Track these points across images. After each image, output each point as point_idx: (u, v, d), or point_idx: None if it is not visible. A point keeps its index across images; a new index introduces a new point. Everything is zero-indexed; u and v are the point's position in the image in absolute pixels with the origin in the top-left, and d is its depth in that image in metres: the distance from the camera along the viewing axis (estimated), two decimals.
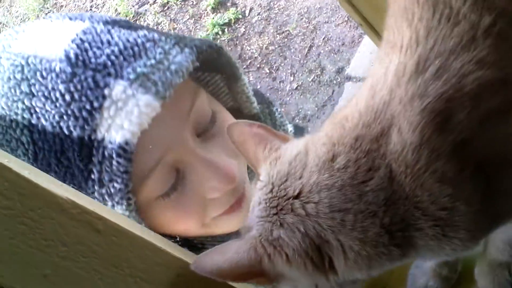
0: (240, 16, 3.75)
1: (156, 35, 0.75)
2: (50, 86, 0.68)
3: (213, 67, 0.84)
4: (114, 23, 0.77)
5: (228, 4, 3.86)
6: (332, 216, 0.51)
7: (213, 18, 3.81)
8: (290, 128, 1.13)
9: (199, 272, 0.55)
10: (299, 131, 1.17)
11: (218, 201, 0.79)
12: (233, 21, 3.75)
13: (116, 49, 0.71)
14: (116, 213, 0.52)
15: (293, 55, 3.43)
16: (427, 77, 0.51)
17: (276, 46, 3.51)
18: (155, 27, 3.86)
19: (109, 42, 0.72)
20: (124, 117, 0.67)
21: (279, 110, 1.07)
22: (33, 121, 0.69)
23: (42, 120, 0.68)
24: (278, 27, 3.57)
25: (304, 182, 0.53)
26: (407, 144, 0.50)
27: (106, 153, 0.67)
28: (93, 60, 0.69)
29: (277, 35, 3.55)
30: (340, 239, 0.52)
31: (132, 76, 0.68)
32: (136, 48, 0.71)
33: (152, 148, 0.71)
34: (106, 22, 0.76)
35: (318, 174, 0.53)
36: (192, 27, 3.85)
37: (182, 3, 4.06)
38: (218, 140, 0.81)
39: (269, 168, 0.58)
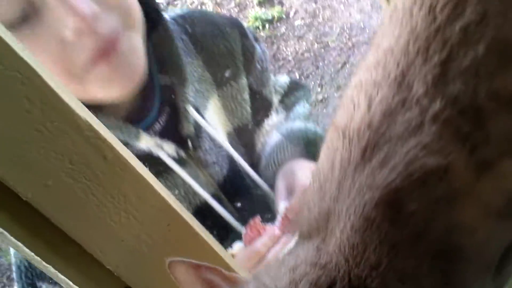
0: (284, 16, 3.76)
1: None
2: None
3: None
4: None
5: (275, 1, 3.88)
6: None
7: (257, 11, 3.82)
8: (284, 79, 1.18)
9: None
10: (295, 85, 1.21)
11: (79, 45, 0.78)
12: (275, 19, 3.76)
13: None
14: (127, 150, 0.53)
15: (326, 67, 3.44)
16: (374, 165, 0.49)
17: (312, 54, 3.52)
18: (198, 7, 3.89)
19: None
20: None
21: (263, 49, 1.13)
22: None
23: None
24: (318, 36, 3.58)
25: None
26: (365, 244, 0.48)
27: None
28: None
29: (315, 44, 3.55)
30: None
31: None
32: None
33: None
34: None
35: None
36: (235, 15, 3.86)
37: None
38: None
39: None
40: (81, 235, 0.53)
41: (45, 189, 0.48)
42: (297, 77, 3.42)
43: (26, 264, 0.85)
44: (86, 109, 0.51)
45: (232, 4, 3.98)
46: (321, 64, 3.45)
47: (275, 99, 1.20)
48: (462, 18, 0.50)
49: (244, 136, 1.13)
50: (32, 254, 0.52)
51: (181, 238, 0.61)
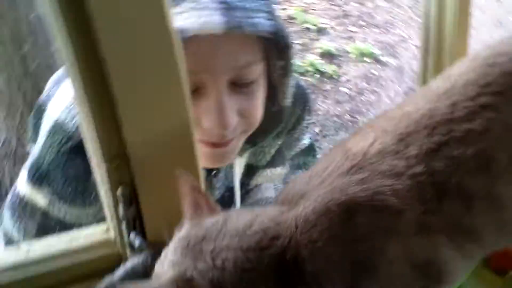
0: (335, 77, 3.94)
1: None
2: None
3: (279, 50, 0.97)
4: None
5: (335, 60, 4.06)
6: (234, 271, 0.59)
7: (316, 59, 4.00)
8: (305, 142, 1.28)
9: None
10: (311, 150, 1.33)
11: (206, 131, 0.93)
12: (327, 75, 3.93)
13: None
14: None
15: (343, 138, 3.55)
16: (353, 179, 0.63)
17: (339, 122, 3.65)
18: None
19: None
20: (193, 13, 0.83)
21: (309, 121, 1.22)
22: None
23: None
24: (354, 111, 3.72)
25: (217, 243, 0.61)
26: (315, 224, 0.60)
27: None
28: None
29: (347, 115, 3.70)
30: None
31: None
32: None
33: (196, 55, 0.84)
34: None
35: (230, 239, 0.61)
36: (296, 52, 4.03)
37: (303, 28, 4.27)
38: (240, 98, 0.94)
39: (190, 227, 0.65)
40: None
41: None
42: (316, 132, 3.56)
43: None
44: None
45: (298, 40, 4.16)
46: (342, 133, 3.59)
47: (289, 155, 1.33)
48: (470, 123, 0.65)
49: (249, 172, 1.26)
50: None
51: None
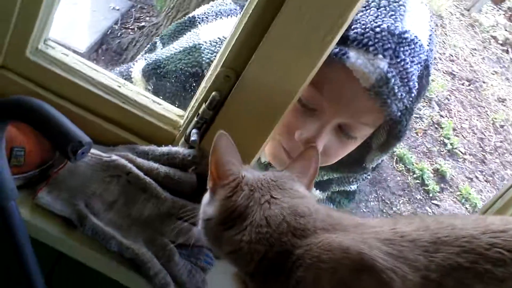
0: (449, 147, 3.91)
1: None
2: None
3: (391, 135, 1.04)
4: None
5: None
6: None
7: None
8: (353, 186, 1.35)
9: (216, 139, 0.74)
10: (352, 195, 1.40)
11: (290, 140, 1.01)
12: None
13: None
14: None
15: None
16: (381, 247, 0.69)
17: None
18: None
19: None
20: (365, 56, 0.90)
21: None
22: None
23: None
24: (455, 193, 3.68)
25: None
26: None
27: None
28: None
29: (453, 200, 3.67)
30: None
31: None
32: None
33: (337, 82, 0.92)
34: None
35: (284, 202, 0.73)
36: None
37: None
38: (334, 141, 1.01)
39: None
40: None
41: None
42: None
43: None
44: None
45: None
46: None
47: (334, 188, 1.40)
48: (494, 267, 0.69)
49: None
50: None
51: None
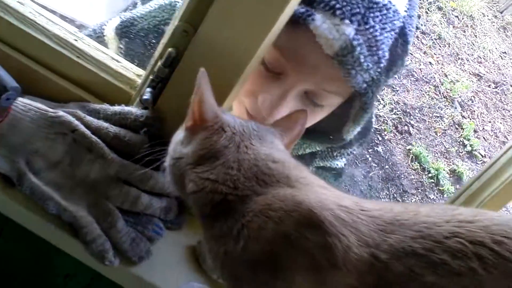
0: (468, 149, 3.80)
1: None
2: None
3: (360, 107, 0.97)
4: None
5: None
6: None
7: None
8: (340, 163, 1.29)
9: (199, 77, 0.69)
10: (338, 173, 1.33)
11: (253, 103, 0.96)
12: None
13: None
14: None
15: None
16: (337, 211, 0.65)
17: None
18: None
19: None
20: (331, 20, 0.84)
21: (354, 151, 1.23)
22: None
23: None
24: None
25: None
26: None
27: None
28: None
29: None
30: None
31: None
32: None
33: (301, 45, 0.86)
34: None
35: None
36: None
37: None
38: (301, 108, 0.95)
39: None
40: None
41: None
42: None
43: None
44: None
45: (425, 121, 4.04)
46: None
47: (317, 163, 1.33)
48: (452, 259, 0.61)
49: None
50: None
51: None
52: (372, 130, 1.26)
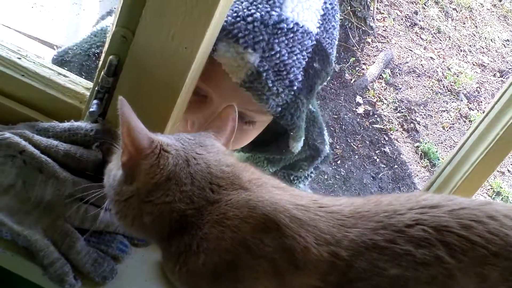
0: None
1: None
2: None
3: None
4: None
5: None
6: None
7: None
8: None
9: (121, 105, 0.62)
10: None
11: (187, 127, 0.97)
12: None
13: None
14: None
15: None
16: (293, 211, 0.63)
17: None
18: None
19: None
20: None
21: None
22: None
23: None
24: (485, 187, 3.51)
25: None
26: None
27: None
28: None
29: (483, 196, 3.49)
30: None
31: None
32: None
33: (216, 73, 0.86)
34: None
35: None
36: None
37: None
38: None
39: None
40: None
41: None
42: None
43: None
44: None
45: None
46: None
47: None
48: (416, 248, 0.58)
49: None
50: None
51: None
52: (327, 154, 1.23)
